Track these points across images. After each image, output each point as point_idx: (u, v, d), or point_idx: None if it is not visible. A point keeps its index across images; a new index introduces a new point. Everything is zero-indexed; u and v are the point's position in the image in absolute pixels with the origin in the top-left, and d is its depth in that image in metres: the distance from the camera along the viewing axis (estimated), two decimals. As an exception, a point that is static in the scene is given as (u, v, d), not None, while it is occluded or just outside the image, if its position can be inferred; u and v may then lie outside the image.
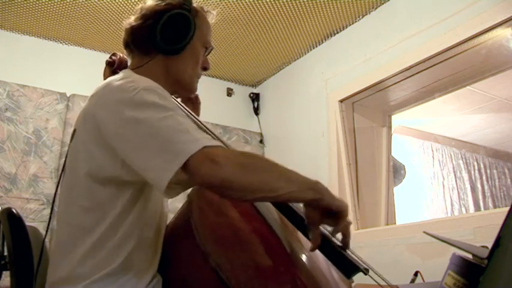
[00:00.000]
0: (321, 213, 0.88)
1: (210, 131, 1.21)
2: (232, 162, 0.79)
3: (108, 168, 0.90)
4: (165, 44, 1.03)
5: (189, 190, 1.11)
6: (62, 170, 1.01)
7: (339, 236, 0.95)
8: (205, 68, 1.15)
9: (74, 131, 1.01)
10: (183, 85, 1.11)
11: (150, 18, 1.04)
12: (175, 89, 1.11)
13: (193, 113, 1.25)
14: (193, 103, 1.29)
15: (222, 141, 1.16)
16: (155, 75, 1.04)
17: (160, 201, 1.01)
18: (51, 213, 1.02)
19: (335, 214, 0.89)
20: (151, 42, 1.04)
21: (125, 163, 0.87)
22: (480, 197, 4.49)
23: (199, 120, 1.24)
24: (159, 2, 1.05)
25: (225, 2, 2.56)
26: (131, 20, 1.07)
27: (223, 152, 0.81)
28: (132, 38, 1.07)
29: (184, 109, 1.24)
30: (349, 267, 0.95)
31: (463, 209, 4.28)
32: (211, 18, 1.15)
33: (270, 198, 0.90)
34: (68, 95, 2.77)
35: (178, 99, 1.25)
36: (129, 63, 1.12)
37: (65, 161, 1.01)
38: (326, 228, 0.96)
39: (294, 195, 0.86)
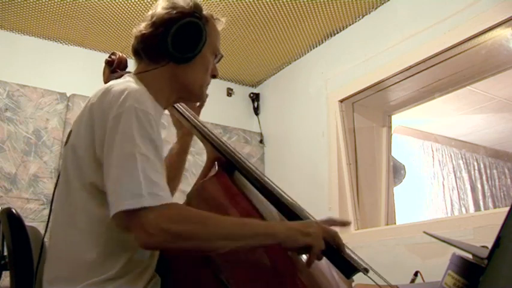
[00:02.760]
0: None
1: (210, 131, 1.21)
2: (163, 232, 0.80)
3: (93, 176, 0.90)
4: (177, 52, 1.03)
5: (189, 190, 1.11)
6: (59, 171, 1.01)
7: (341, 237, 0.96)
8: (214, 76, 1.15)
9: (70, 132, 1.01)
10: (194, 93, 1.11)
11: (161, 26, 1.03)
12: (182, 95, 1.11)
13: (194, 115, 1.25)
14: (194, 105, 1.29)
15: (222, 143, 1.17)
16: (161, 81, 1.04)
17: None
18: (49, 213, 1.02)
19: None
20: (162, 50, 1.03)
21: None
22: (480, 197, 4.49)
23: (200, 122, 1.24)
24: (170, 9, 1.04)
25: (225, 2, 2.56)
26: (141, 27, 1.06)
27: (156, 220, 0.80)
28: (142, 46, 1.06)
29: (185, 111, 1.24)
30: (349, 268, 0.95)
31: (463, 209, 4.28)
32: (220, 25, 1.15)
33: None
34: (68, 95, 2.77)
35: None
36: (132, 64, 1.12)
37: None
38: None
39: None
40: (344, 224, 1.06)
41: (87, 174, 0.91)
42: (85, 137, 0.92)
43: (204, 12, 1.09)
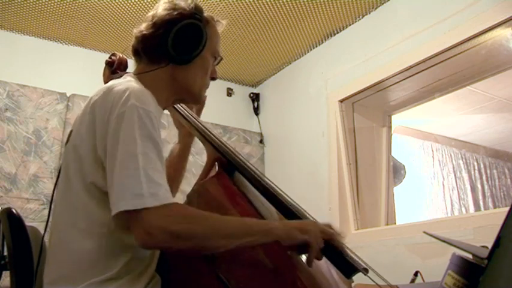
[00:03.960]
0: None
1: (210, 131, 1.21)
2: (164, 232, 0.81)
3: (94, 176, 0.90)
4: (177, 53, 1.03)
5: (189, 190, 1.11)
6: (59, 171, 1.01)
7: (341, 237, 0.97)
8: (213, 78, 1.15)
9: (71, 132, 1.01)
10: (192, 94, 1.11)
11: (161, 27, 1.03)
12: (181, 97, 1.11)
13: (194, 115, 1.26)
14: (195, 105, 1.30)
15: (222, 143, 1.17)
16: (160, 82, 1.04)
17: None
18: (49, 213, 1.02)
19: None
20: (162, 51, 1.03)
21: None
22: (480, 197, 4.49)
23: (200, 122, 1.24)
24: (171, 11, 1.04)
25: (225, 2, 2.56)
26: (142, 27, 1.06)
27: (157, 220, 0.81)
28: (142, 46, 1.06)
29: (185, 111, 1.24)
30: (348, 268, 0.95)
31: (463, 209, 4.28)
32: (221, 27, 1.15)
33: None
34: (68, 95, 2.77)
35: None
36: (132, 65, 1.12)
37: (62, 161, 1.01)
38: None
39: (242, 245, 0.88)
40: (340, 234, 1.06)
41: (88, 173, 0.91)
42: (86, 137, 0.92)
43: (205, 14, 1.09)
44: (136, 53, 1.09)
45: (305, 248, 0.91)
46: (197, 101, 1.16)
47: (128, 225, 0.82)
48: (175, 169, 1.28)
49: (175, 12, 1.04)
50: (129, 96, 0.90)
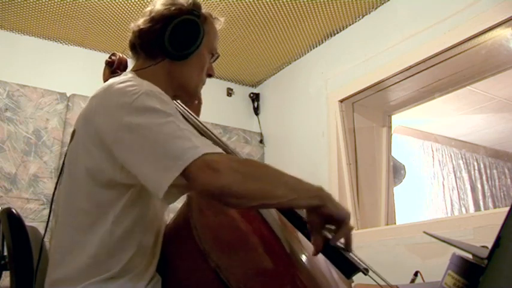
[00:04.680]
0: (323, 219, 0.88)
1: (210, 131, 1.21)
2: (233, 170, 0.79)
3: (106, 170, 0.89)
4: (173, 49, 1.03)
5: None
6: (61, 171, 1.01)
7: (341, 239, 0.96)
8: (210, 75, 1.15)
9: (74, 131, 1.01)
10: (188, 91, 1.11)
11: (159, 22, 1.03)
12: (178, 93, 1.11)
13: (193, 114, 1.25)
14: (194, 104, 1.29)
15: (222, 143, 1.17)
16: (158, 78, 1.04)
17: (160, 206, 1.01)
18: (49, 213, 1.02)
19: (337, 222, 0.89)
20: (159, 47, 1.03)
21: (124, 167, 0.87)
22: (480, 197, 4.49)
23: (199, 121, 1.24)
24: (169, 6, 1.04)
25: (225, 2, 2.56)
26: (140, 22, 1.06)
27: (223, 159, 0.80)
28: (139, 41, 1.06)
29: (185, 110, 1.24)
30: (349, 267, 0.95)
31: (463, 209, 4.28)
32: (219, 25, 1.14)
33: (271, 205, 0.91)
34: (68, 95, 2.77)
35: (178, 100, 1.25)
36: (132, 65, 1.12)
37: (64, 161, 1.01)
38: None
39: (295, 203, 0.86)
40: None
41: (105, 171, 0.90)
42: (92, 133, 0.91)
43: (203, 10, 1.09)
44: (134, 47, 1.09)
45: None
46: (193, 97, 1.16)
47: (192, 176, 0.78)
48: None
49: (173, 8, 1.04)
50: (134, 85, 0.90)
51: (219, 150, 0.83)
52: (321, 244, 0.89)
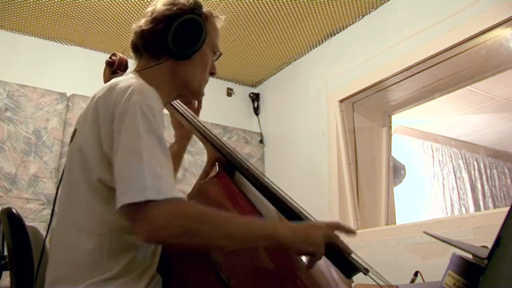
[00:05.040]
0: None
1: (209, 131, 1.21)
2: (169, 226, 0.80)
3: (101, 172, 0.90)
4: (177, 48, 1.03)
5: (189, 190, 1.11)
6: (63, 171, 1.01)
7: (341, 238, 0.96)
8: (212, 73, 1.15)
9: (75, 131, 1.01)
10: (191, 90, 1.11)
11: (161, 22, 1.03)
12: (181, 92, 1.11)
13: (194, 115, 1.26)
14: (194, 104, 1.29)
15: (222, 143, 1.17)
16: (161, 78, 1.04)
17: None
18: (52, 213, 1.02)
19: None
20: (161, 47, 1.03)
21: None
22: (480, 197, 4.49)
23: (199, 121, 1.24)
24: (171, 6, 1.04)
25: (225, 2, 2.56)
26: (141, 23, 1.06)
27: (164, 213, 0.80)
28: (142, 42, 1.06)
29: (185, 111, 1.24)
30: (349, 267, 0.95)
31: (463, 209, 4.28)
32: (220, 23, 1.15)
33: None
34: (68, 95, 2.77)
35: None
36: (133, 65, 1.12)
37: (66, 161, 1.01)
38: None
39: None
40: (350, 231, 1.03)
41: (95, 171, 0.91)
42: (91, 135, 0.92)
43: (204, 9, 1.09)
44: (136, 48, 1.09)
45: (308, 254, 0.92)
46: (197, 95, 1.17)
47: (132, 219, 0.81)
48: None
49: (175, 8, 1.04)
50: (132, 93, 0.90)
51: (170, 192, 0.82)
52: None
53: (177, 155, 1.31)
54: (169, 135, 3.14)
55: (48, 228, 1.06)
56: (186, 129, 1.29)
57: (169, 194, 0.81)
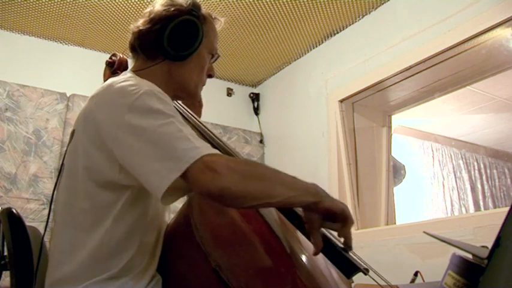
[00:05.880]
0: (321, 216, 0.88)
1: (210, 131, 1.21)
2: (231, 171, 0.79)
3: (105, 171, 0.90)
4: (173, 49, 1.03)
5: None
6: (60, 171, 1.01)
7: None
8: (210, 76, 1.15)
9: (73, 131, 1.01)
10: (188, 91, 1.11)
11: (158, 23, 1.03)
12: (178, 94, 1.11)
13: (194, 115, 1.26)
14: (194, 105, 1.29)
15: (222, 143, 1.17)
16: (157, 79, 1.04)
17: (161, 206, 1.01)
18: (49, 213, 1.02)
19: (336, 217, 0.89)
20: (158, 47, 1.04)
21: (122, 167, 0.87)
22: (480, 197, 4.49)
23: (200, 122, 1.24)
24: (168, 7, 1.05)
25: (225, 2, 2.56)
26: (139, 23, 1.06)
27: (222, 160, 0.80)
28: (139, 42, 1.06)
29: (185, 111, 1.24)
30: (349, 267, 0.95)
31: (463, 209, 4.28)
32: (219, 25, 1.15)
33: (270, 205, 0.91)
34: (68, 95, 2.77)
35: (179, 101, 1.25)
36: (132, 65, 1.12)
37: (63, 161, 1.01)
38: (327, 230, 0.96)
39: (292, 200, 0.87)
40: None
41: (103, 172, 0.90)
42: (91, 135, 0.91)
43: (203, 11, 1.09)
44: (133, 49, 1.09)
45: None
46: (193, 98, 1.16)
47: (192, 178, 0.78)
48: None
49: (173, 8, 1.04)
50: (138, 85, 0.90)
51: (217, 152, 0.83)
52: (321, 243, 0.89)
53: None
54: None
55: (46, 227, 1.05)
56: None
57: (216, 151, 0.83)
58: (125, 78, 0.95)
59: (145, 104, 0.86)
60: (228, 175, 0.78)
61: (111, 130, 0.88)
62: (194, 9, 1.06)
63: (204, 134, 1.21)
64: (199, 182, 0.78)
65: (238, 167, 0.82)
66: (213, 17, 1.13)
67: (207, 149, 0.81)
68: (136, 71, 1.06)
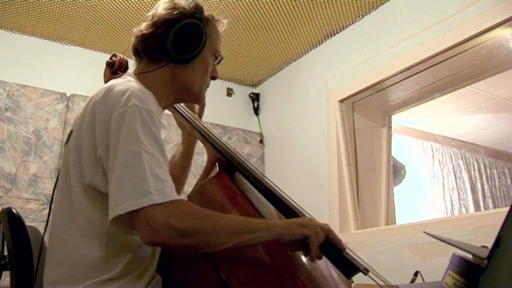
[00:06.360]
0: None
1: (210, 131, 1.21)
2: (169, 228, 0.80)
3: (93, 178, 0.90)
4: (176, 53, 1.03)
5: (189, 190, 1.11)
6: (59, 171, 1.01)
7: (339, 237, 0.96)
8: (213, 77, 1.15)
9: (71, 132, 1.01)
10: (192, 94, 1.11)
11: (161, 26, 1.03)
12: (181, 96, 1.11)
13: (195, 116, 1.26)
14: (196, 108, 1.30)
15: (222, 143, 1.17)
16: (161, 82, 1.04)
17: None
18: (49, 213, 1.02)
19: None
20: (161, 51, 1.03)
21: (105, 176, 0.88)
22: (480, 197, 4.49)
23: (200, 123, 1.24)
24: (171, 10, 1.05)
25: (225, 2, 2.56)
26: (142, 27, 1.06)
27: (162, 217, 0.80)
28: (142, 46, 1.06)
29: (186, 112, 1.24)
30: (349, 267, 0.95)
31: (463, 209, 4.28)
32: (222, 27, 1.14)
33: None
34: (68, 95, 2.77)
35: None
36: (134, 68, 1.12)
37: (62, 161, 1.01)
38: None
39: (246, 244, 0.88)
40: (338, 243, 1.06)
41: (87, 175, 0.91)
42: (87, 137, 0.92)
43: (205, 13, 1.09)
44: (137, 52, 1.09)
45: (305, 243, 0.91)
46: (197, 100, 1.16)
47: (133, 224, 0.81)
48: (179, 169, 1.28)
49: (176, 12, 1.04)
50: (129, 96, 0.90)
51: (171, 194, 0.83)
52: (319, 255, 0.93)
53: (186, 153, 1.31)
54: (169, 135, 3.13)
55: (46, 227, 1.06)
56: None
57: (170, 196, 0.82)
58: (123, 87, 0.94)
59: (129, 126, 0.86)
60: (165, 232, 0.79)
61: (103, 136, 0.89)
62: (197, 12, 1.06)
63: (204, 134, 1.21)
64: (139, 232, 0.81)
65: (179, 224, 0.81)
66: (216, 19, 1.13)
67: (160, 195, 0.81)
68: (138, 74, 1.06)
